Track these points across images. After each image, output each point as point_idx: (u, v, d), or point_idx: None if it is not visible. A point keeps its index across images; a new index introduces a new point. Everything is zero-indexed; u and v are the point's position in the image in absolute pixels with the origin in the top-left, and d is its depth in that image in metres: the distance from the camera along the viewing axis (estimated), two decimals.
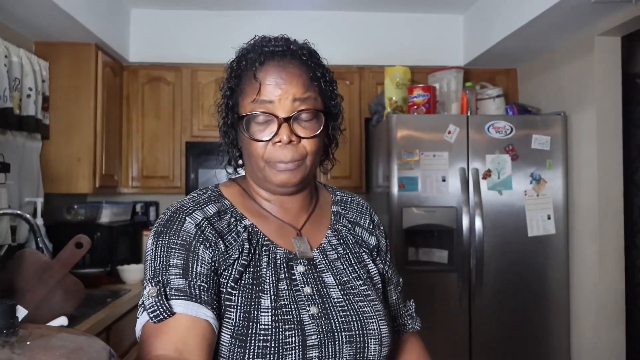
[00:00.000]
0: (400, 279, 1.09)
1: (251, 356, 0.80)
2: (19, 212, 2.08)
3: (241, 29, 3.20)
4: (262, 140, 0.88)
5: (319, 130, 0.89)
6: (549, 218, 2.73)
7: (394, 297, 1.06)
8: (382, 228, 1.07)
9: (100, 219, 2.93)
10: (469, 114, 2.77)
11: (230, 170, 1.02)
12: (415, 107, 2.80)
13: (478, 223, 2.67)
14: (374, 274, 0.98)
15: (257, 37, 0.94)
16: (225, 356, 0.81)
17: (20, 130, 2.51)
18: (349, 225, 1.01)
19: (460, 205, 2.69)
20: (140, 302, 0.82)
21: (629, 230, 2.75)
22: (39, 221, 2.53)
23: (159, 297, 0.79)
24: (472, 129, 2.71)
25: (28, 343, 0.56)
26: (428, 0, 3.16)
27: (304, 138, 0.88)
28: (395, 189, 2.69)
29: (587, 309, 2.67)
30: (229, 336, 0.81)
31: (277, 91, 0.87)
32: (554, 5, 2.31)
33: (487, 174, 2.72)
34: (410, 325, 1.08)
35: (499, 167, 2.72)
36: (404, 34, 3.37)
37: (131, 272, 2.74)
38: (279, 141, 0.87)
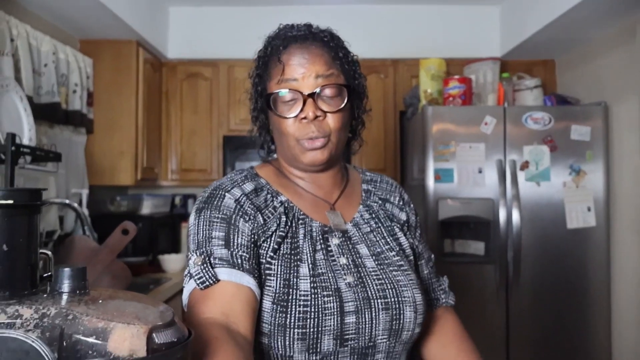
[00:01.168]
0: (432, 255, 1.12)
1: (293, 320, 0.84)
2: (67, 201, 2.18)
3: (276, 24, 3.24)
4: (289, 117, 0.91)
5: (343, 104, 0.93)
6: (589, 210, 2.68)
7: (425, 272, 1.08)
8: (412, 206, 1.10)
9: (141, 210, 3.03)
10: (505, 105, 2.74)
11: (262, 154, 1.06)
12: (451, 99, 2.79)
13: (515, 215, 2.64)
14: (406, 246, 1.01)
15: (281, 25, 0.98)
16: (267, 322, 0.85)
17: (66, 124, 2.61)
18: (380, 202, 1.05)
19: (497, 196, 2.67)
20: (186, 272, 0.87)
21: None
22: (85, 211, 2.63)
23: (205, 265, 0.83)
24: (509, 120, 2.69)
25: (100, 301, 0.61)
26: None
27: (328, 112, 0.92)
28: (431, 181, 2.69)
29: (629, 305, 2.61)
30: (270, 302, 0.85)
31: (300, 70, 0.91)
32: None
33: (525, 166, 2.69)
34: (444, 300, 1.10)
35: (537, 158, 2.69)
36: (439, 26, 3.36)
37: (171, 262, 2.82)
38: (305, 117, 0.90)
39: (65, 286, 0.62)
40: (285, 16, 3.70)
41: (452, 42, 3.33)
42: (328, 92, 0.92)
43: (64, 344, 0.56)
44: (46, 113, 2.35)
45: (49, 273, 0.72)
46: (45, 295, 0.61)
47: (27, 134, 1.87)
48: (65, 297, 0.61)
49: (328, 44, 0.95)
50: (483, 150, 2.69)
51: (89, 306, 0.59)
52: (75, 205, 2.14)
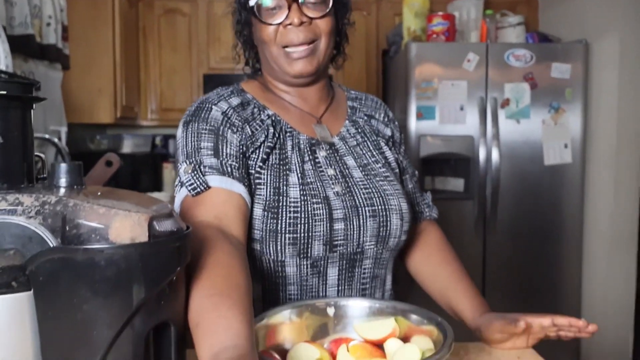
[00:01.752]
0: (416, 171, 1.15)
1: (284, 226, 0.86)
2: (47, 136, 2.14)
3: None
4: (273, 24, 0.90)
5: (328, 9, 0.92)
6: (565, 147, 2.75)
7: (410, 186, 1.11)
8: (396, 123, 1.12)
9: (122, 150, 3.00)
10: (488, 42, 2.74)
11: (248, 70, 1.06)
12: (435, 35, 2.77)
13: (495, 152, 2.69)
14: (392, 160, 1.04)
15: None
16: (259, 228, 0.87)
17: (42, 59, 2.53)
18: (365, 118, 1.06)
19: (477, 134, 2.71)
20: (176, 182, 0.88)
21: None
22: (65, 148, 2.60)
23: (195, 172, 0.85)
24: (492, 58, 2.69)
25: (99, 194, 0.62)
26: None
27: (314, 18, 0.91)
28: (413, 118, 2.71)
29: (600, 238, 2.72)
30: (261, 210, 0.87)
31: None
32: None
33: (505, 103, 2.72)
34: (428, 213, 1.13)
35: (518, 96, 2.71)
36: None
37: None
38: (290, 23, 0.89)
39: (63, 181, 0.63)
40: None
41: None
42: None
43: (67, 229, 0.57)
44: (20, 45, 2.27)
45: (44, 175, 0.72)
46: (43, 188, 0.62)
47: (4, 60, 1.82)
48: (63, 189, 0.62)
49: None
50: (465, 87, 2.70)
51: (88, 197, 0.60)
52: (55, 139, 2.11)
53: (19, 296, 0.57)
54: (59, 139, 2.64)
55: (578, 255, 2.82)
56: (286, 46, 0.91)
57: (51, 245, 0.57)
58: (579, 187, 2.78)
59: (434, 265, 1.06)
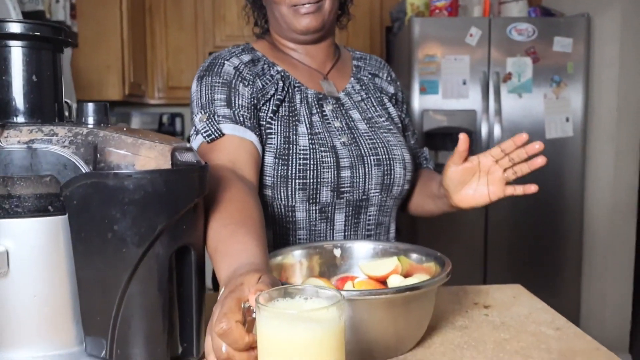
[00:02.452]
0: (415, 130, 1.21)
1: (294, 172, 0.92)
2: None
3: None
4: None
5: None
6: (567, 120, 2.78)
7: (411, 142, 1.17)
8: (398, 83, 1.17)
9: (130, 126, 3.05)
10: (491, 17, 2.77)
11: (257, 31, 1.11)
12: (438, 11, 2.80)
13: (497, 126, 2.73)
14: (395, 116, 1.10)
15: None
16: (270, 175, 0.93)
17: None
18: (369, 76, 1.12)
19: (480, 108, 2.75)
20: (192, 131, 0.94)
21: None
22: None
23: (210, 121, 0.90)
24: (494, 32, 2.72)
25: (125, 129, 0.67)
26: None
27: None
28: (416, 93, 2.74)
29: (600, 207, 2.77)
30: (272, 157, 0.93)
31: None
32: None
33: (508, 77, 2.75)
34: (426, 165, 1.20)
35: (520, 70, 2.75)
36: None
37: None
38: None
39: (91, 119, 0.68)
40: None
41: None
42: None
43: (98, 157, 0.63)
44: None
45: (71, 120, 0.78)
46: (74, 123, 0.67)
47: None
48: (92, 125, 0.68)
49: None
50: (467, 62, 2.74)
51: (115, 131, 0.65)
52: (66, 113, 2.16)
53: (54, 219, 0.63)
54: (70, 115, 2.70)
55: (579, 226, 2.87)
56: (294, 5, 0.96)
57: (84, 172, 0.62)
58: (580, 160, 2.82)
59: (418, 195, 1.12)
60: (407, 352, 0.74)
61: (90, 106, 0.69)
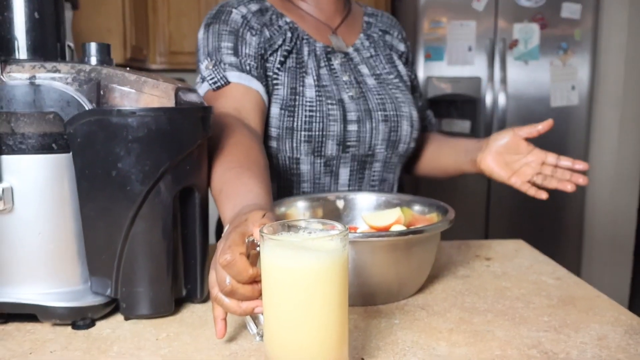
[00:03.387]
0: (422, 93, 1.19)
1: (300, 124, 0.91)
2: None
3: None
4: None
5: None
6: (573, 89, 2.75)
7: (419, 104, 1.16)
8: (408, 43, 1.15)
9: None
10: None
11: None
12: None
13: (502, 94, 2.71)
14: (404, 74, 1.08)
15: None
16: (276, 126, 0.92)
17: None
18: (380, 33, 1.09)
19: (485, 75, 2.72)
20: (198, 79, 0.92)
21: None
22: None
23: (216, 67, 0.89)
24: None
25: (128, 68, 0.67)
26: None
27: None
28: (421, 59, 2.71)
29: (603, 176, 2.76)
30: (278, 108, 0.92)
31: None
32: None
33: (514, 44, 2.71)
34: (430, 128, 1.19)
35: (527, 36, 2.71)
36: None
37: None
38: None
39: (94, 58, 0.68)
40: None
41: None
42: None
43: (101, 92, 0.62)
44: None
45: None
46: (77, 62, 0.67)
47: None
48: (95, 63, 0.67)
49: None
50: (474, 28, 2.70)
51: (119, 69, 0.65)
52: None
53: (58, 157, 0.63)
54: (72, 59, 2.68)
55: (581, 194, 2.87)
56: None
57: (87, 109, 0.62)
58: (584, 128, 2.80)
59: (432, 150, 1.12)
60: (409, 297, 0.74)
61: (93, 45, 0.69)
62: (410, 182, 1.20)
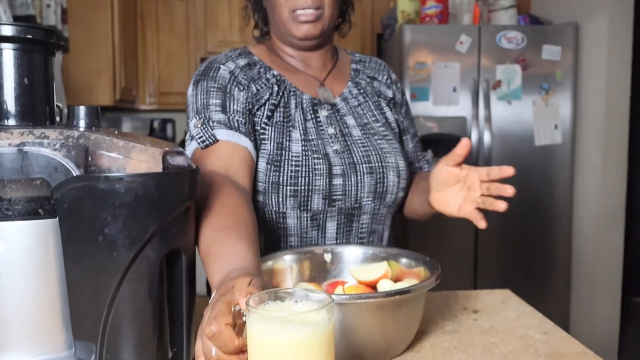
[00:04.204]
0: (417, 131, 1.19)
1: (285, 178, 0.92)
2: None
3: None
4: None
5: None
6: (556, 128, 2.81)
7: (410, 145, 1.16)
8: (399, 85, 1.16)
9: None
10: (481, 24, 2.80)
11: (256, 34, 1.11)
12: (428, 18, 2.82)
13: (487, 133, 2.75)
14: (392, 120, 1.09)
15: None
16: (262, 180, 0.93)
17: None
18: (368, 79, 1.11)
19: (470, 115, 2.77)
20: (187, 137, 0.94)
21: (633, 144, 2.83)
22: None
23: (204, 126, 0.91)
24: (484, 40, 2.75)
25: (116, 132, 0.67)
26: None
27: None
28: (407, 100, 2.76)
29: (589, 214, 2.79)
30: (265, 163, 0.93)
31: None
32: None
33: (497, 84, 2.78)
34: (427, 168, 1.17)
35: (509, 77, 2.77)
36: None
37: None
38: None
39: (82, 122, 0.69)
40: None
41: None
42: None
43: (89, 159, 0.63)
44: None
45: (63, 124, 0.78)
46: (65, 126, 0.67)
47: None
48: (83, 128, 0.68)
49: None
50: (458, 69, 2.76)
51: (107, 134, 0.65)
52: (57, 119, 2.16)
53: (45, 222, 0.63)
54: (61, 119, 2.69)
55: (568, 233, 2.89)
56: (294, 10, 0.96)
57: (75, 175, 0.62)
58: (568, 167, 2.85)
59: (410, 194, 1.09)
60: (397, 356, 0.74)
61: (82, 109, 0.69)
62: (398, 228, 1.20)
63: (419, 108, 2.77)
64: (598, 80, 2.71)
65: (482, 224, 0.83)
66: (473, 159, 2.76)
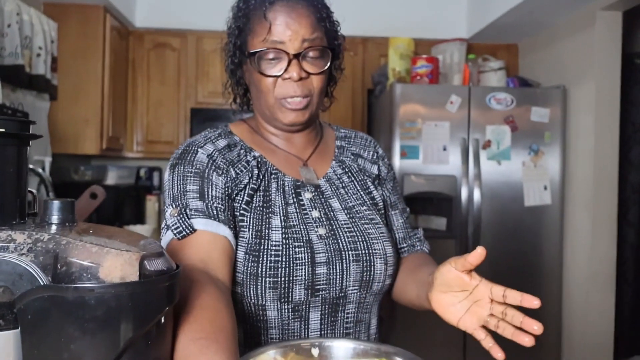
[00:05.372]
0: (407, 208, 1.13)
1: (264, 270, 0.87)
2: (30, 166, 2.13)
3: None
4: (272, 76, 0.92)
5: (327, 66, 0.94)
6: (545, 189, 2.81)
7: (400, 221, 1.09)
8: (385, 160, 1.11)
9: (105, 181, 2.98)
10: (471, 85, 2.82)
11: (235, 107, 1.06)
12: (419, 77, 2.85)
13: (476, 192, 2.74)
14: (378, 200, 1.03)
15: None
16: (240, 271, 0.88)
17: (30, 89, 2.54)
18: (352, 157, 1.06)
19: (460, 174, 2.76)
20: (162, 225, 0.88)
21: (622, 207, 2.83)
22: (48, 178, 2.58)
23: (181, 216, 0.85)
24: (474, 100, 2.77)
25: (91, 231, 0.62)
26: None
27: (312, 74, 0.92)
28: (397, 157, 2.75)
29: (579, 276, 2.76)
30: (243, 252, 0.88)
31: (287, 31, 0.90)
32: None
33: (487, 145, 2.78)
34: (419, 247, 1.10)
35: (499, 138, 2.78)
36: (408, 6, 3.41)
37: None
38: (289, 77, 0.91)
39: (55, 218, 0.64)
40: None
41: (420, 22, 3.38)
42: (312, 53, 0.92)
43: (58, 267, 0.58)
44: (9, 75, 2.28)
45: (35, 211, 0.73)
46: (35, 226, 0.62)
47: None
48: (55, 226, 0.63)
49: (314, 3, 0.94)
50: (448, 128, 2.77)
51: (80, 235, 0.61)
52: (39, 170, 2.10)
53: (5, 334, 0.57)
54: (43, 169, 2.63)
55: (558, 295, 2.85)
56: (283, 98, 0.93)
57: (42, 283, 0.57)
58: (558, 228, 2.83)
59: (402, 279, 1.03)
60: None
61: (56, 205, 0.64)
62: (386, 310, 1.14)
63: (409, 166, 2.76)
64: (586, 143, 2.73)
65: (498, 355, 0.77)
66: (463, 217, 2.74)
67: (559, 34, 2.99)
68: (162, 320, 0.62)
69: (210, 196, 0.89)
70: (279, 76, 0.92)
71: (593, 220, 2.68)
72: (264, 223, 0.90)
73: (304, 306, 0.90)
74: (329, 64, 0.94)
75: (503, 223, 2.80)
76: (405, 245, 1.10)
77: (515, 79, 2.96)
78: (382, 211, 1.05)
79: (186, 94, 3.33)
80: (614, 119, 2.69)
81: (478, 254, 0.76)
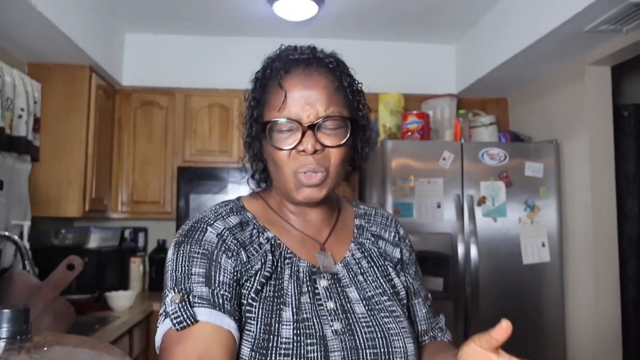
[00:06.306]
0: (429, 294, 1.05)
1: None
2: (6, 233, 2.02)
3: (235, 54, 3.22)
4: (285, 149, 0.85)
5: (345, 139, 0.86)
6: (543, 245, 2.73)
7: (424, 311, 1.01)
8: (407, 241, 1.04)
9: (88, 244, 2.86)
10: (462, 141, 2.79)
11: (252, 184, 0.99)
12: (410, 133, 2.81)
13: (473, 250, 2.65)
14: (400, 288, 0.94)
15: (282, 46, 0.93)
16: None
17: (10, 151, 2.46)
18: (372, 239, 0.98)
19: (455, 231, 2.68)
20: (161, 311, 0.79)
21: (620, 260, 2.75)
22: (26, 244, 2.46)
23: (183, 304, 0.76)
24: (467, 156, 2.73)
25: (45, 349, 0.52)
26: (420, 31, 3.22)
27: (329, 147, 0.85)
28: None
29: (583, 336, 2.64)
30: (249, 349, 0.78)
31: (302, 101, 0.84)
32: (546, 35, 2.37)
33: (482, 201, 2.72)
34: (440, 337, 1.03)
35: (494, 194, 2.72)
36: (398, 62, 3.42)
37: (119, 299, 2.66)
38: (303, 150, 0.84)
39: (5, 331, 0.54)
40: (244, 47, 3.65)
41: (410, 78, 3.39)
42: (330, 124, 0.85)
43: None
44: None
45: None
46: None
47: None
48: (3, 344, 0.53)
49: (333, 71, 0.89)
50: (441, 185, 2.71)
51: (31, 355, 0.51)
52: (15, 237, 1.99)
53: None
54: (21, 233, 2.51)
55: (562, 354, 2.72)
56: (298, 170, 0.85)
57: None
58: (559, 285, 2.73)
59: (428, 358, 0.95)
60: None
61: (6, 314, 0.55)
62: None
63: (402, 224, 2.67)
64: (583, 197, 2.68)
65: None
66: (460, 277, 2.64)
67: (548, 88, 2.99)
68: None
69: (217, 282, 0.79)
70: (293, 148, 0.85)
71: (595, 277, 2.59)
72: (274, 316, 0.81)
73: None
74: (348, 136, 0.87)
75: (501, 282, 2.70)
76: (426, 337, 1.01)
77: (507, 133, 2.93)
78: (404, 301, 0.95)
79: (173, 152, 3.26)
80: (610, 171, 2.65)
81: (503, 329, 0.69)
